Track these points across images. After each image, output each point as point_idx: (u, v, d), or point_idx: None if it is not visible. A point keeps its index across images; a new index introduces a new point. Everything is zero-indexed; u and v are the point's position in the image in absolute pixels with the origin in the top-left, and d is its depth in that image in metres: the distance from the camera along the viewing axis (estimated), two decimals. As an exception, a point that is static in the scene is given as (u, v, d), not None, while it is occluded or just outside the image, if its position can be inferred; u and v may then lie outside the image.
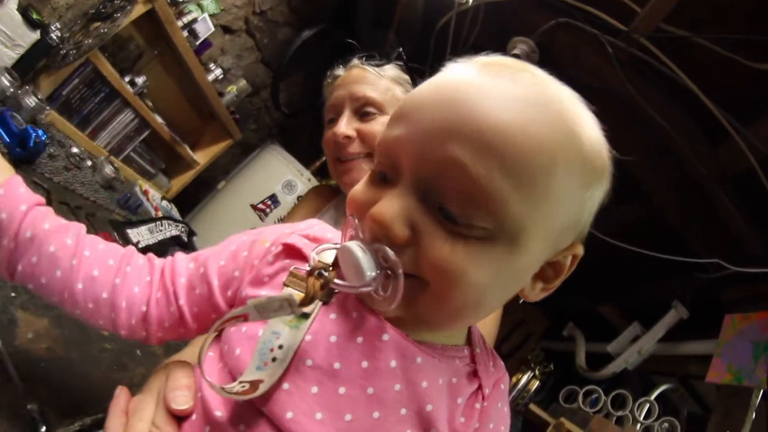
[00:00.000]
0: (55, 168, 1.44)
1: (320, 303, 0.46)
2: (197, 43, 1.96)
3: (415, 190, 0.42)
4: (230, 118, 2.46)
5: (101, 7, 1.58)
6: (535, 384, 2.61)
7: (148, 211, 1.99)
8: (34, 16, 1.40)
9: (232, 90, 2.40)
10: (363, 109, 1.01)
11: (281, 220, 2.55)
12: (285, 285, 0.48)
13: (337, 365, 0.44)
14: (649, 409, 1.88)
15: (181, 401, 0.46)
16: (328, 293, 0.46)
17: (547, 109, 0.41)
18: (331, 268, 0.44)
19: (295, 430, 0.42)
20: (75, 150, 1.67)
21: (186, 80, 2.13)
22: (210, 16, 2.00)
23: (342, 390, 0.43)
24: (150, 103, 2.01)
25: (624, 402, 1.95)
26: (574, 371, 2.39)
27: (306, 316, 0.46)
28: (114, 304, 0.55)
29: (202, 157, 2.55)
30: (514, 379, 2.74)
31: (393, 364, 0.44)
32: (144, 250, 1.53)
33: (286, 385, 0.43)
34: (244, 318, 0.43)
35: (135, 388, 0.50)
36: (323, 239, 0.54)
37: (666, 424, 1.77)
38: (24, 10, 1.38)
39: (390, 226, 0.40)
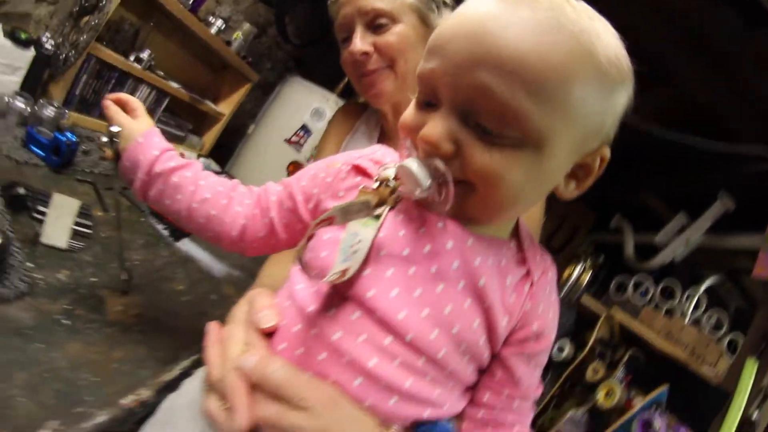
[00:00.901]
0: (92, 161, 1.53)
1: (389, 208, 0.57)
2: (190, 2, 1.95)
3: (455, 113, 0.50)
4: (243, 63, 2.47)
5: (83, 2, 1.60)
6: (587, 277, 2.66)
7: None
8: (22, 36, 1.45)
9: (237, 36, 2.39)
10: (375, 22, 1.00)
11: (317, 148, 2.63)
12: (359, 193, 0.59)
13: (405, 251, 0.55)
14: (697, 302, 1.91)
15: (268, 320, 0.57)
16: (396, 200, 0.57)
17: (560, 32, 0.47)
18: (395, 179, 0.55)
19: (375, 305, 0.52)
20: (104, 139, 1.72)
21: (190, 40, 2.15)
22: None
23: (411, 270, 0.54)
24: (161, 72, 2.05)
25: (672, 294, 1.99)
26: (624, 263, 2.43)
27: (377, 217, 0.56)
28: (220, 219, 0.71)
29: (226, 107, 2.61)
30: (566, 273, 2.78)
31: (449, 245, 0.55)
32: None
33: (367, 271, 0.54)
34: (330, 222, 0.54)
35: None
36: (384, 161, 0.63)
37: (714, 318, 1.79)
38: (11, 34, 1.42)
39: (438, 144, 0.49)
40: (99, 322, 0.86)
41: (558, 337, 2.35)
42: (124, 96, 0.78)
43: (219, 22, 2.21)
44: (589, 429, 1.77)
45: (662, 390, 1.53)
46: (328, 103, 2.70)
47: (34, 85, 1.54)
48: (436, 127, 0.50)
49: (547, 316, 0.61)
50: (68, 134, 1.35)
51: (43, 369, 0.70)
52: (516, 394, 0.61)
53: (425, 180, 0.50)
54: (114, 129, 0.73)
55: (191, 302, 1.13)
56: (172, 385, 0.82)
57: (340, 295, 0.54)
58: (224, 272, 1.40)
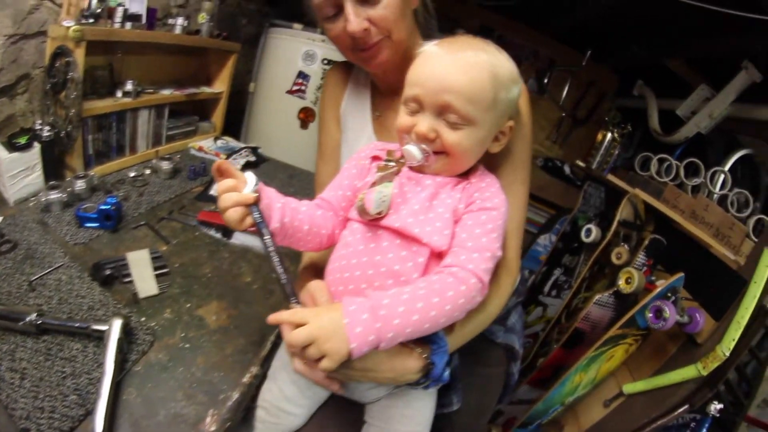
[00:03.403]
0: (133, 202, 1.86)
1: (396, 176, 0.98)
2: (143, 21, 2.10)
3: (433, 114, 0.94)
4: (220, 42, 2.62)
5: (50, 78, 1.80)
6: (617, 147, 2.74)
7: (213, 161, 2.38)
8: (21, 140, 1.70)
9: (203, 18, 2.51)
10: None
11: (318, 89, 2.85)
12: (377, 170, 1.00)
13: (409, 195, 0.97)
14: (724, 179, 1.86)
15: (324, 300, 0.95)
16: (398, 171, 0.99)
17: (482, 67, 0.92)
18: (401, 157, 0.98)
19: (396, 221, 0.92)
20: (132, 174, 2.10)
21: (161, 49, 2.34)
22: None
23: (413, 200, 0.96)
24: (150, 90, 2.29)
25: (698, 170, 1.96)
26: (652, 137, 2.46)
27: (391, 182, 0.96)
28: (322, 226, 1.03)
29: (221, 85, 2.83)
30: (599, 137, 2.90)
31: (428, 182, 0.98)
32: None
33: (391, 211, 0.95)
34: (373, 183, 0.96)
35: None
36: (386, 146, 1.09)
37: (742, 197, 1.77)
38: (11, 145, 1.68)
39: (427, 133, 0.93)
40: (207, 334, 1.31)
41: (587, 219, 2.54)
42: (218, 168, 0.92)
43: (180, 20, 2.34)
44: (616, 310, 1.95)
45: (677, 278, 1.61)
46: (314, 43, 2.85)
47: (54, 169, 1.84)
48: (424, 125, 0.93)
49: (483, 194, 0.98)
50: (109, 199, 1.66)
51: (190, 383, 1.16)
52: (457, 243, 0.92)
53: (419, 155, 0.94)
54: (250, 178, 0.90)
55: (260, 288, 1.56)
56: (269, 356, 1.27)
57: (378, 230, 0.94)
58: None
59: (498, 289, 1.11)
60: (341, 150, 1.41)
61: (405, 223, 0.92)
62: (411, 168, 1.00)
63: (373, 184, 0.96)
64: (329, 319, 0.80)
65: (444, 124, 0.94)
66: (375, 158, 1.07)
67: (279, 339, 1.32)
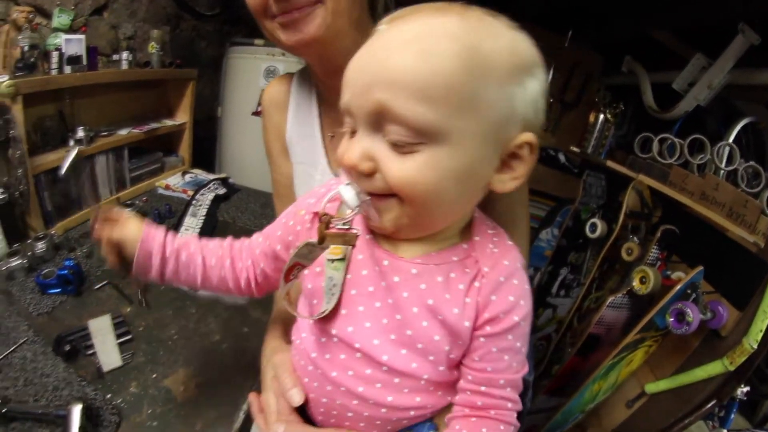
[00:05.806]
0: (97, 259, 1.85)
1: (351, 248, 0.71)
2: (84, 63, 2.07)
3: (368, 131, 0.62)
4: (173, 71, 2.61)
5: None
6: (611, 129, 2.67)
7: (181, 200, 2.49)
8: None
9: (153, 48, 2.48)
10: None
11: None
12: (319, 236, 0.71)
13: (371, 288, 0.71)
14: (731, 152, 1.79)
15: (297, 399, 0.80)
16: (351, 238, 0.67)
17: (447, 41, 0.57)
18: (351, 211, 0.65)
19: (355, 338, 0.71)
20: (97, 225, 2.11)
21: (112, 89, 2.32)
22: (69, 30, 2.08)
23: (377, 304, 0.70)
24: (105, 132, 2.28)
25: (702, 146, 1.89)
26: (648, 116, 2.39)
27: (343, 260, 0.71)
28: (229, 277, 0.90)
29: (184, 115, 2.81)
30: (591, 119, 2.85)
31: (396, 279, 0.70)
32: (202, 233, 2.04)
33: (343, 311, 0.72)
34: (301, 266, 0.71)
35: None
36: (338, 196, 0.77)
37: (751, 169, 1.69)
38: None
39: (357, 165, 0.61)
40: (175, 409, 1.29)
41: (591, 212, 2.46)
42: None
43: (125, 55, 2.32)
44: (631, 310, 1.84)
45: (696, 273, 1.53)
46: (274, 58, 2.80)
47: (17, 232, 1.84)
48: (353, 149, 0.62)
49: (505, 297, 0.69)
50: (66, 262, 1.66)
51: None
52: (480, 378, 0.72)
53: (354, 201, 0.63)
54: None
55: (230, 347, 1.55)
56: (244, 428, 1.26)
57: (330, 337, 0.74)
58: (245, 298, 1.79)
59: None
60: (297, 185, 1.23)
61: (369, 345, 0.71)
62: (368, 241, 0.73)
63: (299, 266, 0.72)
64: None
65: (386, 147, 0.61)
66: (316, 216, 0.77)
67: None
